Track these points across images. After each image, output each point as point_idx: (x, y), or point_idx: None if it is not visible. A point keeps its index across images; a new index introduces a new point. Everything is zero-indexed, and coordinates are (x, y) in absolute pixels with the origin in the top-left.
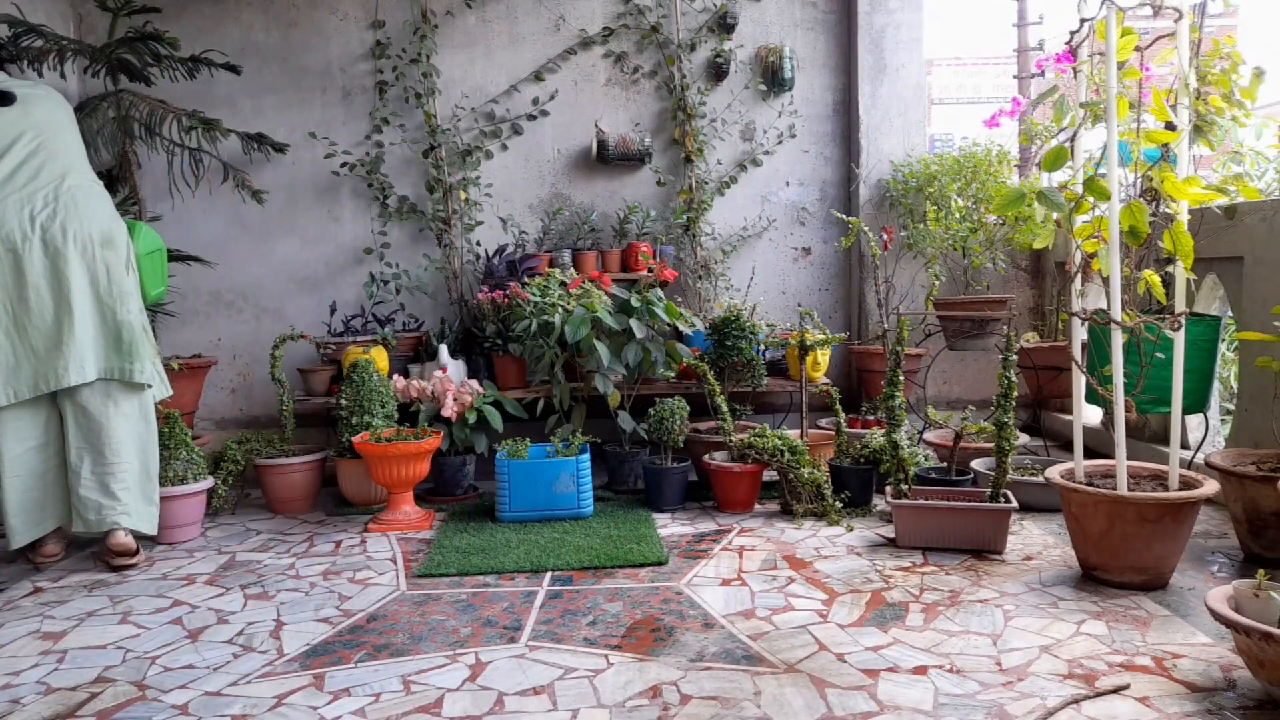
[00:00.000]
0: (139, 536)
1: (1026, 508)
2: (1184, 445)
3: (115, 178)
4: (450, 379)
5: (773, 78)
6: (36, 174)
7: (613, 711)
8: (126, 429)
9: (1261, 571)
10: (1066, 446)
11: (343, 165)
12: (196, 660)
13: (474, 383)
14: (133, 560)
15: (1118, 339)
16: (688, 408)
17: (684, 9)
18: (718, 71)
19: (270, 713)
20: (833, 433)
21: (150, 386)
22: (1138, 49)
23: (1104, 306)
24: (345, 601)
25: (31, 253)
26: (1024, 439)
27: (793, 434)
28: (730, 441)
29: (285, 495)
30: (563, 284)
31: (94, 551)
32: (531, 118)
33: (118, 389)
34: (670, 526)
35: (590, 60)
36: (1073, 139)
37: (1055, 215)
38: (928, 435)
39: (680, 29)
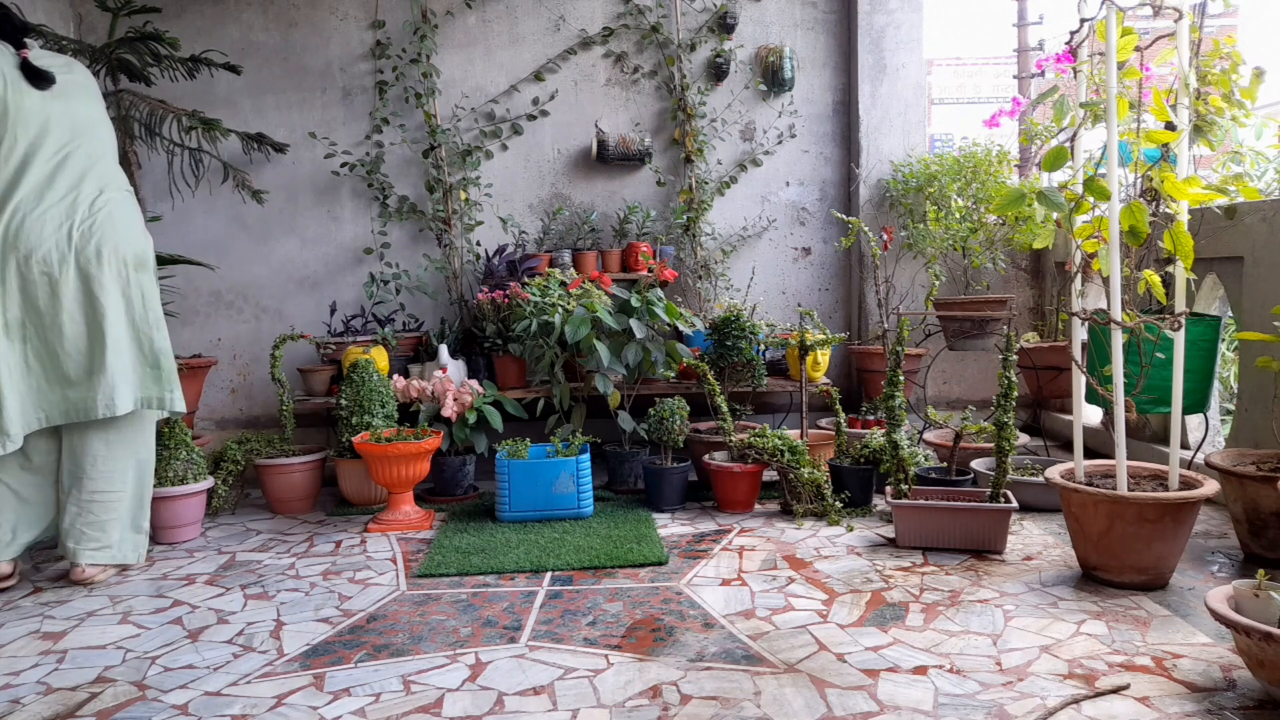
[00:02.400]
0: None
1: (1026, 508)
2: (1184, 445)
3: None
4: (450, 379)
5: (773, 78)
6: (78, 183)
7: (613, 711)
8: (126, 458)
9: (1261, 571)
10: (1066, 446)
11: (343, 165)
12: (196, 660)
13: (474, 383)
14: (91, 582)
15: (1118, 339)
16: (688, 408)
17: (684, 9)
18: (718, 71)
19: (270, 713)
20: (833, 433)
21: (181, 412)
22: (1138, 49)
23: (1104, 306)
24: (345, 601)
25: (67, 275)
26: (1024, 439)
27: (793, 434)
28: (730, 441)
29: (285, 495)
30: (563, 284)
31: None
32: (531, 118)
33: (124, 418)
34: (670, 526)
35: (590, 60)
36: (1073, 139)
37: (1055, 215)
38: (928, 435)
39: (680, 29)
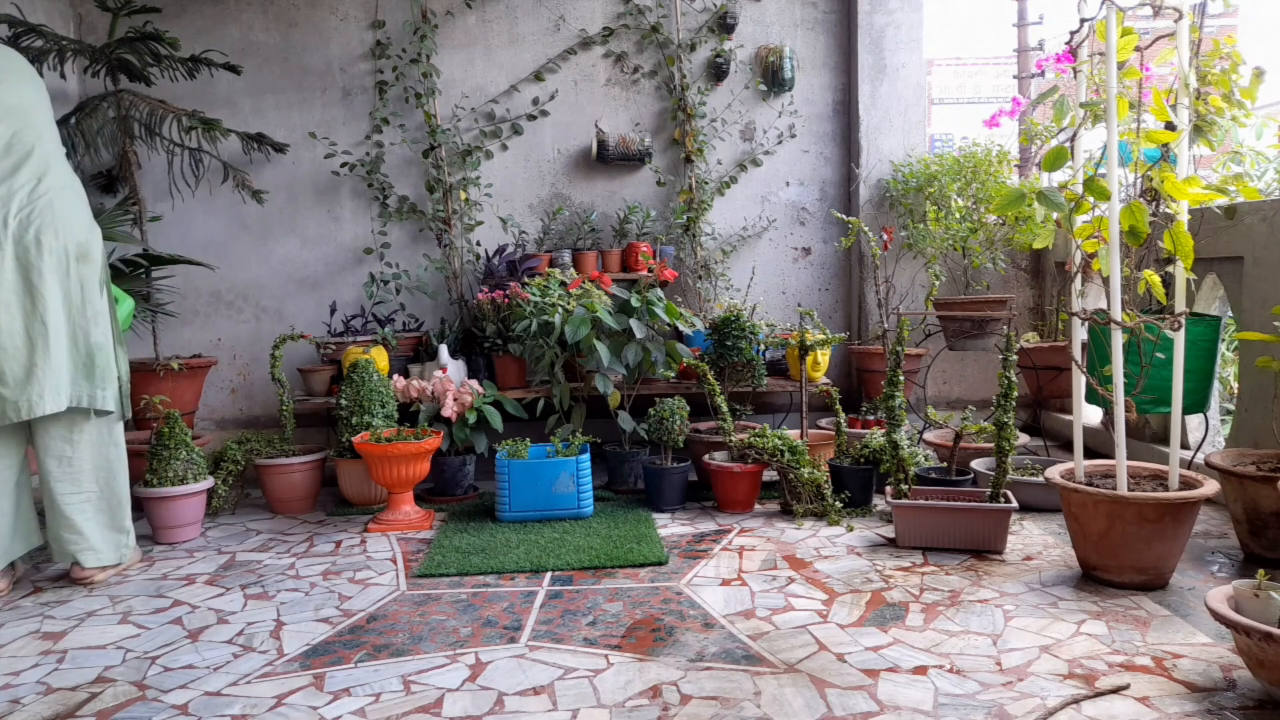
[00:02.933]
0: (138, 536)
1: (1026, 508)
2: (1184, 445)
3: (115, 178)
4: (450, 379)
5: (773, 78)
6: (14, 171)
7: (613, 711)
8: (93, 457)
9: (1261, 571)
10: (1066, 446)
11: (343, 165)
12: (196, 660)
13: (474, 383)
14: (91, 582)
15: (1118, 339)
16: (688, 408)
17: (684, 9)
18: (718, 71)
19: (270, 713)
20: (833, 433)
21: (111, 411)
22: (1138, 49)
23: (1104, 306)
24: (345, 601)
25: (3, 265)
26: (1024, 439)
27: (793, 434)
28: (730, 441)
29: (285, 495)
30: (563, 284)
31: None
32: (531, 118)
33: (82, 415)
34: (670, 526)
35: (590, 60)
36: (1073, 139)
37: (1055, 215)
38: (928, 435)
39: (680, 29)
